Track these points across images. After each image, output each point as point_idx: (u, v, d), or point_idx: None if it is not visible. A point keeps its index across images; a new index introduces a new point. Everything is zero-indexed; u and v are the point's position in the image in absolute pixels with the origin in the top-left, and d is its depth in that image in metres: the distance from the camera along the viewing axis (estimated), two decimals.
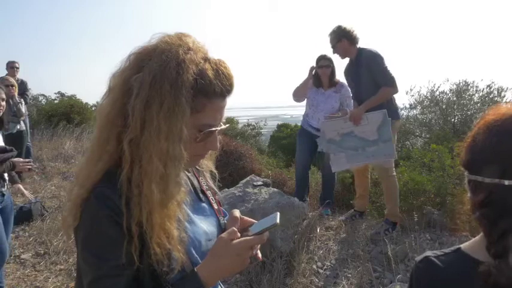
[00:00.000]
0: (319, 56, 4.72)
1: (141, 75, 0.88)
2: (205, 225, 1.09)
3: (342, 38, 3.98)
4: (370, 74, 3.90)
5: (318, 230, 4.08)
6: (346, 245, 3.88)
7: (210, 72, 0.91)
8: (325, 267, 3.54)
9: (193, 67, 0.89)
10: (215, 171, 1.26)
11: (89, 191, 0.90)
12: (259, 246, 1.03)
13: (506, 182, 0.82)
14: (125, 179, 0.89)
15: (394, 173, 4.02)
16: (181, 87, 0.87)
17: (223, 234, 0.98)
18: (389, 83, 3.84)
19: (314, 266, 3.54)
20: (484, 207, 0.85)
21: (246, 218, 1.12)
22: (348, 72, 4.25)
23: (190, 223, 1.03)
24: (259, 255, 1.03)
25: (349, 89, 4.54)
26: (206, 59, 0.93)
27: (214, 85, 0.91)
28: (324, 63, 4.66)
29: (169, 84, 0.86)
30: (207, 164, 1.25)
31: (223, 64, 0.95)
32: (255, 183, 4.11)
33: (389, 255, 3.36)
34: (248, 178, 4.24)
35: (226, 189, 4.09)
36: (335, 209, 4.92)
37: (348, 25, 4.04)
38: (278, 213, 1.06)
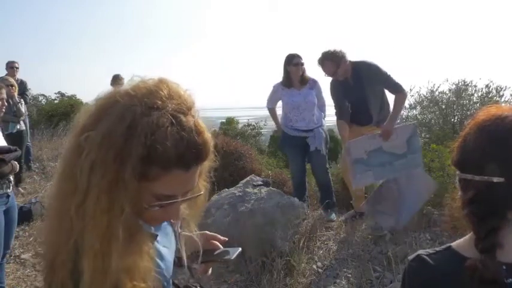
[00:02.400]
0: (291, 54, 4.61)
1: (92, 133, 0.76)
2: (167, 248, 1.05)
3: (340, 63, 3.96)
4: (373, 86, 3.91)
5: (318, 230, 4.08)
6: (346, 245, 3.89)
7: (169, 141, 0.75)
8: (325, 267, 3.54)
9: (148, 133, 0.74)
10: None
11: None
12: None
13: (495, 180, 0.85)
14: (72, 251, 0.77)
15: None
16: (126, 158, 0.74)
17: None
18: (401, 89, 3.89)
19: (314, 266, 3.54)
20: (473, 204, 0.88)
21: (214, 243, 1.18)
22: (348, 92, 4.12)
23: (162, 259, 0.99)
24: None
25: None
26: (174, 122, 0.76)
27: (171, 155, 0.75)
28: (297, 60, 4.55)
29: (114, 153, 0.74)
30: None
31: (197, 128, 0.80)
32: (255, 183, 4.12)
33: (389, 255, 3.37)
34: (248, 178, 4.24)
35: (226, 190, 4.10)
36: (336, 209, 4.91)
37: (330, 48, 4.07)
38: (240, 249, 1.17)
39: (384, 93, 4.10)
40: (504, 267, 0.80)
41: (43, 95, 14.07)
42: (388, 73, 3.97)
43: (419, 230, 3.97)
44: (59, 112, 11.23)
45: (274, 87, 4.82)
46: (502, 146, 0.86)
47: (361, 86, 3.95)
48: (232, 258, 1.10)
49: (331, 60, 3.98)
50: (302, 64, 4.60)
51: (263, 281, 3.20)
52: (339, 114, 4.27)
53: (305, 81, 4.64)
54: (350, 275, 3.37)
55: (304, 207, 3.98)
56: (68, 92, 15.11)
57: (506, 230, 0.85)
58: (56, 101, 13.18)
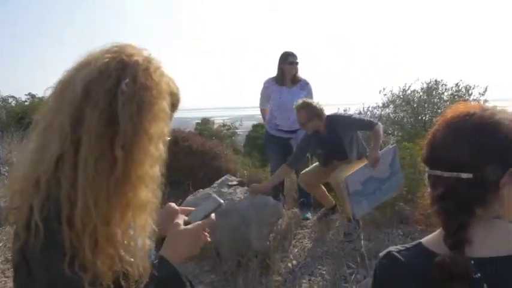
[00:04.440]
0: (286, 52, 4.60)
1: None
2: None
3: (314, 117, 3.92)
4: (349, 135, 3.96)
5: (293, 229, 4.10)
6: (321, 242, 3.92)
7: None
8: (300, 265, 3.56)
9: None
10: None
11: None
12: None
13: (464, 176, 0.86)
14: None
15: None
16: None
17: (176, 221, 1.05)
18: (373, 124, 3.93)
19: (289, 264, 3.56)
20: (442, 201, 0.89)
21: (182, 207, 1.17)
22: (322, 143, 4.04)
23: None
24: (208, 237, 1.09)
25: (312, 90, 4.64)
26: None
27: None
28: (293, 59, 4.56)
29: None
30: None
31: None
32: (230, 183, 4.11)
33: (362, 252, 3.42)
34: (223, 178, 4.23)
35: (202, 190, 4.08)
36: (311, 209, 4.94)
37: (314, 100, 4.09)
38: (215, 195, 1.14)
39: (357, 133, 4.12)
40: (472, 262, 0.81)
41: (13, 96, 13.69)
42: (358, 116, 4.05)
43: (391, 226, 4.04)
44: (30, 114, 10.96)
45: (265, 83, 4.78)
46: (470, 143, 0.87)
47: (336, 137, 3.94)
48: (222, 201, 1.11)
49: (306, 112, 3.93)
50: (296, 63, 4.61)
51: (239, 280, 3.20)
52: (293, 162, 4.13)
53: (296, 81, 4.65)
54: (324, 272, 3.40)
55: (280, 206, 3.99)
56: (39, 93, 14.74)
57: (474, 226, 0.86)
58: (26, 103, 12.85)
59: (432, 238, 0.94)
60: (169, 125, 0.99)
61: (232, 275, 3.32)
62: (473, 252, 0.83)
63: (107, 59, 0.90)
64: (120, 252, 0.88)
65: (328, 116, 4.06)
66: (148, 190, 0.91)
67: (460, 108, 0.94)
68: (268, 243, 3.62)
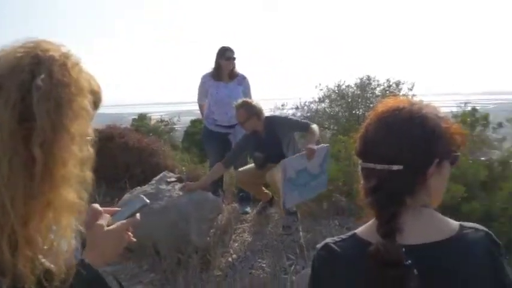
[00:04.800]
0: (224, 47, 4.58)
1: None
2: None
3: (253, 116, 3.93)
4: (287, 135, 4.01)
5: (233, 223, 4.12)
6: (261, 236, 3.97)
7: None
8: (240, 259, 3.58)
9: None
10: None
11: None
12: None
13: (394, 168, 0.90)
14: None
15: None
16: None
17: (99, 222, 1.00)
18: (309, 125, 4.00)
19: (230, 259, 3.57)
20: (375, 192, 0.92)
21: (106, 208, 1.12)
22: (260, 144, 4.05)
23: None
24: (132, 237, 1.07)
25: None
26: None
27: None
28: (230, 54, 4.55)
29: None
30: None
31: None
32: (168, 179, 4.03)
33: (301, 243, 3.50)
34: (161, 175, 4.15)
35: (139, 187, 3.98)
36: (251, 203, 4.98)
37: (253, 100, 4.11)
38: (141, 195, 1.11)
39: (293, 135, 4.19)
40: (403, 249, 0.85)
41: None
42: (295, 118, 4.11)
43: (328, 217, 4.17)
44: None
45: (202, 78, 4.74)
46: (400, 136, 0.92)
47: (274, 138, 3.98)
48: (148, 201, 1.08)
49: (245, 111, 3.94)
50: (234, 59, 4.59)
51: (179, 278, 3.16)
52: (229, 161, 4.10)
53: (234, 76, 4.63)
54: (265, 265, 3.44)
55: (219, 201, 3.99)
56: None
57: (404, 215, 0.90)
58: None
59: (366, 228, 0.98)
60: (91, 124, 0.93)
61: (172, 273, 3.28)
62: (404, 240, 0.88)
63: (20, 54, 0.84)
64: (40, 254, 0.83)
65: (266, 117, 4.10)
66: (72, 190, 0.86)
67: (390, 102, 0.98)
68: (208, 238, 3.61)
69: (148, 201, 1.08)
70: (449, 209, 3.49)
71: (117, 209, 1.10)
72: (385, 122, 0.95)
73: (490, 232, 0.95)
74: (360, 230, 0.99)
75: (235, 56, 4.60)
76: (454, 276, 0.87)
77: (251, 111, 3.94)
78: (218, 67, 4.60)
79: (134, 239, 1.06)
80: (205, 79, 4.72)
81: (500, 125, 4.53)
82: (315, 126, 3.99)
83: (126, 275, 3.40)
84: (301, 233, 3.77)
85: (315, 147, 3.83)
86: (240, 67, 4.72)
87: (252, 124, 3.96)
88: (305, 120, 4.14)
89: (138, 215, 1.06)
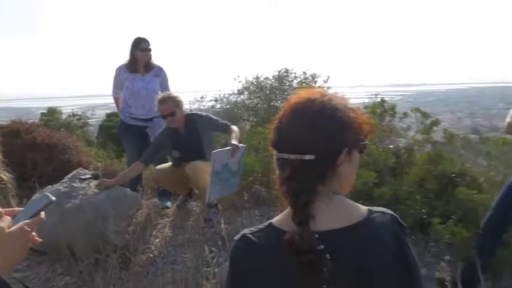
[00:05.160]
0: (139, 38, 4.42)
1: None
2: None
3: (176, 110, 3.85)
4: (207, 133, 4.00)
5: (154, 219, 4.03)
6: (182, 230, 3.93)
7: None
8: (162, 255, 3.52)
9: None
10: None
11: None
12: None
13: (307, 157, 0.93)
14: None
15: None
16: None
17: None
18: (229, 125, 3.99)
19: (151, 255, 3.50)
20: (289, 181, 0.95)
21: (7, 209, 1.06)
22: (179, 141, 3.98)
23: None
24: (37, 237, 1.01)
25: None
26: None
27: None
28: (145, 45, 4.41)
29: None
30: None
31: None
32: (82, 176, 3.84)
33: (223, 235, 3.51)
34: (75, 172, 3.94)
35: (50, 186, 3.74)
36: (171, 197, 4.90)
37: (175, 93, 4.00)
38: (47, 192, 1.06)
39: (212, 134, 4.17)
40: (317, 235, 0.89)
41: None
42: (215, 117, 4.11)
43: (249, 208, 4.23)
44: None
45: (117, 70, 4.53)
46: (311, 127, 0.95)
47: (195, 136, 3.94)
48: (53, 198, 1.01)
49: (168, 104, 3.84)
50: (149, 50, 4.43)
51: (97, 279, 3.04)
52: (147, 158, 4.01)
53: (150, 68, 4.48)
54: (187, 259, 3.41)
55: (138, 197, 3.88)
56: None
57: (317, 203, 0.94)
58: None
59: (281, 217, 1.01)
60: None
61: (89, 274, 3.14)
62: (317, 227, 0.92)
63: None
64: None
65: (187, 114, 4.05)
66: None
67: (302, 94, 1.01)
68: (127, 236, 3.51)
69: (53, 198, 1.02)
70: (363, 194, 3.70)
71: (19, 209, 1.02)
72: (298, 113, 0.98)
73: (396, 215, 1.02)
74: (275, 220, 1.01)
75: (150, 47, 4.46)
76: (363, 258, 0.92)
77: (178, 105, 3.88)
78: (133, 59, 4.45)
79: (40, 239, 1.00)
80: (119, 71, 4.53)
81: (405, 115, 4.85)
82: (235, 127, 4.02)
83: (38, 279, 3.21)
84: (222, 225, 3.78)
85: (239, 144, 3.86)
86: (155, 59, 4.61)
87: (178, 118, 3.91)
88: (225, 121, 4.15)
89: (42, 213, 0.99)
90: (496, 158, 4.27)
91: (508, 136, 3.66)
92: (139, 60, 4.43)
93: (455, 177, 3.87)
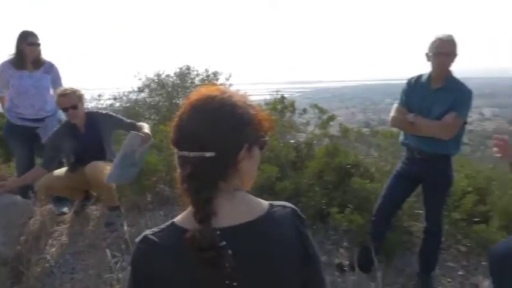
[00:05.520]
0: (26, 31, 4.05)
1: None
2: None
3: (78, 104, 3.63)
4: (109, 132, 3.87)
5: (49, 227, 3.76)
6: (82, 236, 3.71)
7: None
8: (59, 264, 3.30)
9: None
10: None
11: None
12: None
13: (207, 155, 0.93)
14: None
15: None
16: None
17: None
18: (135, 124, 3.87)
19: (47, 265, 3.26)
20: (190, 179, 0.95)
21: None
22: (77, 140, 3.75)
23: None
24: None
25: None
26: None
27: None
28: (33, 39, 4.04)
29: None
30: None
31: None
32: None
33: (126, 238, 3.38)
34: None
35: None
36: (68, 202, 4.59)
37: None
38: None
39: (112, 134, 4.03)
40: (218, 232, 0.89)
41: None
42: (119, 116, 3.97)
43: (153, 209, 4.13)
44: None
45: (1, 66, 4.09)
46: (211, 124, 0.95)
47: (96, 135, 3.76)
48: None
49: (69, 98, 3.59)
50: (38, 45, 4.07)
51: None
52: (48, 162, 3.74)
53: (40, 64, 4.12)
54: (88, 266, 3.24)
55: (30, 204, 3.59)
56: None
57: (219, 199, 0.94)
58: None
59: (183, 216, 1.00)
60: None
61: None
62: (219, 223, 0.92)
63: None
64: None
65: (87, 112, 3.84)
66: None
67: (202, 91, 1.01)
68: (18, 247, 3.23)
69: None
70: (266, 189, 3.80)
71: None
72: (198, 111, 0.97)
73: (296, 208, 1.06)
74: (177, 218, 1.01)
75: (39, 41, 4.12)
76: (265, 252, 0.95)
77: (80, 99, 3.68)
78: (20, 54, 4.05)
79: None
80: (4, 67, 4.10)
81: (304, 110, 5.06)
82: (141, 124, 3.90)
83: None
84: (125, 228, 3.65)
85: (150, 135, 3.76)
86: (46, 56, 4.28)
87: (80, 113, 3.70)
88: (131, 120, 3.99)
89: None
90: (384, 149, 4.63)
91: (394, 129, 3.98)
92: (27, 55, 4.05)
93: (351, 168, 4.15)
